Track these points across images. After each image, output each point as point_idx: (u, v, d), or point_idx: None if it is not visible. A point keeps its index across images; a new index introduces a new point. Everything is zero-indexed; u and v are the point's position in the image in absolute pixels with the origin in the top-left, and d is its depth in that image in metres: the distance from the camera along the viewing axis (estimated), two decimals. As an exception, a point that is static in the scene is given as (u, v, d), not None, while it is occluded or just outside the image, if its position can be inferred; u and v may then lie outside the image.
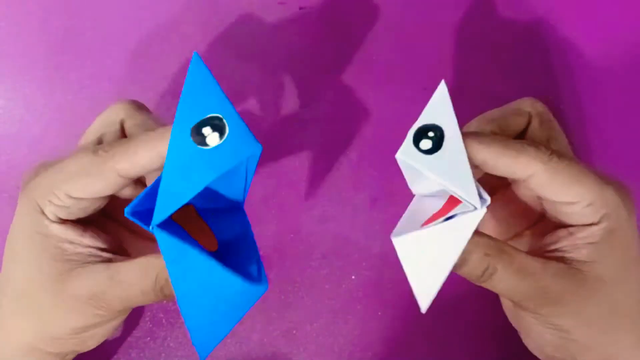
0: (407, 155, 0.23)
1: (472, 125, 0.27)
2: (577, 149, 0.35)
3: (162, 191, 0.22)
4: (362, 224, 0.34)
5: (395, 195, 0.35)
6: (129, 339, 0.33)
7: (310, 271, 0.34)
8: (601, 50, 0.37)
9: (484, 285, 0.25)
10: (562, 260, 0.25)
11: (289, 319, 0.33)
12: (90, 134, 0.28)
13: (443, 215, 0.23)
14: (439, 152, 0.22)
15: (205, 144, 0.22)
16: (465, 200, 0.22)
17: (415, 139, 0.23)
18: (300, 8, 0.37)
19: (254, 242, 0.25)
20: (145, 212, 0.23)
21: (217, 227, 0.26)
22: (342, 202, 0.35)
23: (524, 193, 0.28)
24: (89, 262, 0.25)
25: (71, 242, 0.25)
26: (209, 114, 0.22)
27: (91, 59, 0.36)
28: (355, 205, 0.35)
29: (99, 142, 0.27)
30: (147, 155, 0.24)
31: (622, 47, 0.37)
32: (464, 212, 0.22)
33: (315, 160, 0.35)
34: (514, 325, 0.29)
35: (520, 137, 0.28)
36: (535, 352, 0.28)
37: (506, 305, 0.30)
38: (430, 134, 0.22)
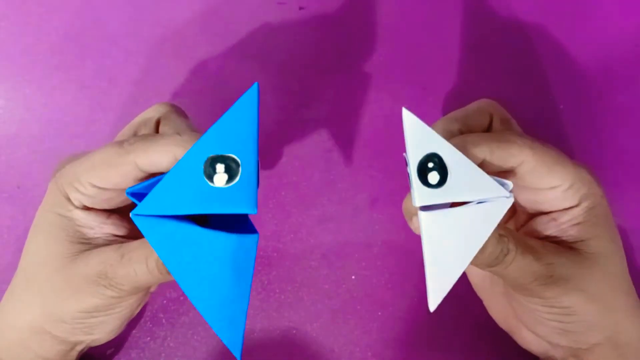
0: (426, 199, 0.22)
1: (438, 126, 0.27)
2: (577, 149, 0.35)
3: (156, 193, 0.22)
4: (362, 224, 0.34)
5: (395, 195, 0.35)
6: (129, 339, 0.33)
7: (310, 271, 0.34)
8: (601, 50, 0.37)
9: (495, 269, 0.25)
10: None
11: (289, 319, 0.33)
12: (127, 129, 0.29)
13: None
14: (449, 177, 0.22)
15: (211, 180, 0.22)
16: (496, 197, 0.22)
17: (422, 179, 0.22)
18: (300, 8, 0.37)
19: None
20: (143, 195, 0.23)
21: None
22: (342, 202, 0.35)
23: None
24: (103, 245, 0.26)
25: (91, 228, 0.27)
26: (232, 153, 0.22)
27: (91, 59, 0.36)
28: (355, 205, 0.35)
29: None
30: (164, 155, 0.24)
31: (622, 47, 0.37)
32: (493, 199, 0.22)
33: (315, 160, 0.35)
34: (505, 327, 0.30)
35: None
36: (534, 348, 0.29)
37: (498, 308, 0.30)
38: (430, 164, 0.22)
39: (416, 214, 0.24)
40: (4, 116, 0.36)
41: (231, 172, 0.22)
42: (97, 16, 0.37)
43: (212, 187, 0.22)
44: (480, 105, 0.29)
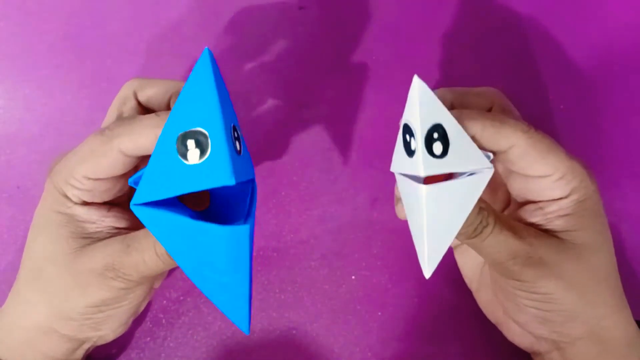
0: (432, 168, 0.22)
1: (439, 91, 0.27)
2: (576, 149, 0.35)
3: (144, 180, 0.22)
4: (362, 224, 0.34)
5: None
6: (129, 339, 0.33)
7: (310, 271, 0.34)
8: (601, 50, 0.37)
9: (473, 242, 0.25)
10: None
11: (289, 319, 0.33)
12: (110, 114, 0.29)
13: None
14: (450, 148, 0.22)
15: (185, 158, 0.21)
16: (481, 168, 0.23)
17: (428, 148, 0.22)
18: (300, 8, 0.37)
19: (249, 197, 0.25)
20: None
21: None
22: (342, 202, 0.35)
23: (498, 176, 0.29)
24: (106, 238, 0.26)
25: (93, 222, 0.26)
26: (198, 127, 0.21)
27: (91, 59, 0.36)
28: (355, 205, 0.35)
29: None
30: (149, 137, 0.24)
31: (622, 47, 0.37)
32: (476, 170, 0.23)
33: (315, 160, 0.35)
34: (493, 319, 0.30)
35: None
36: (520, 341, 0.29)
37: (486, 300, 0.30)
38: (435, 135, 0.22)
39: (400, 199, 0.26)
40: (4, 116, 0.36)
41: (202, 147, 0.21)
42: (97, 16, 0.37)
43: (188, 165, 0.21)
44: (483, 90, 0.29)
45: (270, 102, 0.36)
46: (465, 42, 0.37)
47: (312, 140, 0.35)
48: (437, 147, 0.22)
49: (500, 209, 0.30)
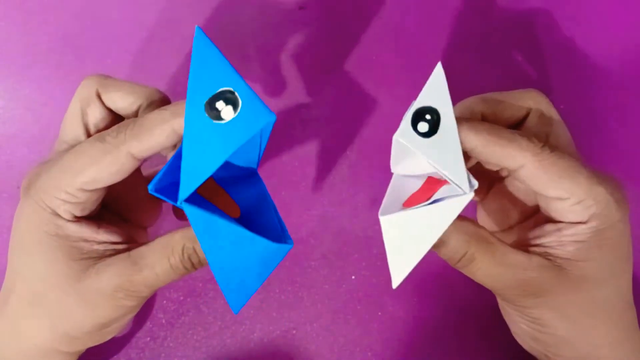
0: (405, 137, 0.23)
1: (466, 102, 0.27)
2: (577, 149, 0.35)
3: (185, 167, 0.22)
4: (362, 224, 0.34)
5: (395, 195, 0.35)
6: (129, 338, 0.33)
7: (310, 271, 0.34)
8: (601, 50, 0.37)
9: (463, 271, 0.25)
10: (545, 255, 0.25)
11: (289, 319, 0.33)
12: (71, 121, 0.27)
13: (425, 195, 0.24)
14: (435, 136, 0.22)
15: (221, 118, 0.22)
16: (455, 183, 0.22)
17: (413, 122, 0.23)
18: (300, 8, 0.37)
19: (272, 204, 0.26)
20: (168, 188, 0.23)
21: (236, 194, 0.27)
22: (342, 202, 0.35)
23: (517, 187, 0.28)
24: (106, 257, 0.25)
25: (86, 240, 0.25)
26: (220, 87, 0.22)
27: (91, 59, 0.36)
28: (355, 205, 0.35)
29: (86, 126, 0.27)
30: (163, 133, 0.24)
31: (622, 47, 0.37)
32: (451, 196, 0.23)
33: (315, 160, 0.35)
34: (504, 317, 0.30)
35: (516, 128, 0.27)
36: (520, 343, 0.29)
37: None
38: (427, 116, 0.22)
39: None
40: (4, 116, 0.36)
41: (232, 102, 0.22)
42: (97, 16, 0.37)
43: (227, 123, 0.22)
44: (521, 95, 0.27)
45: (270, 102, 0.36)
46: (465, 42, 0.37)
47: (312, 140, 0.35)
48: (423, 126, 0.22)
49: (517, 220, 0.29)
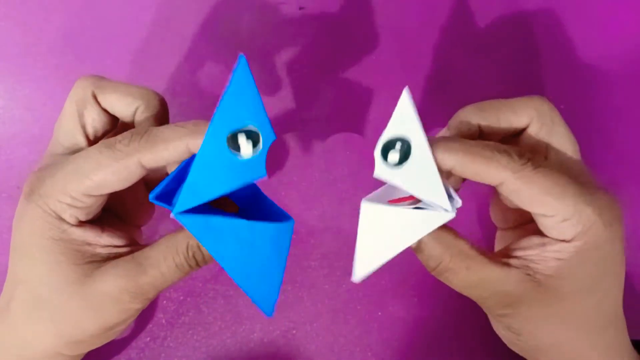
0: (381, 172, 0.23)
1: (462, 114, 0.26)
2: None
3: (188, 186, 0.23)
4: (362, 224, 0.34)
5: (395, 195, 0.35)
6: (129, 339, 0.33)
7: (310, 271, 0.34)
8: (601, 50, 0.37)
9: (439, 278, 0.25)
10: (526, 268, 0.25)
11: (289, 319, 0.33)
12: (68, 122, 0.27)
13: (414, 198, 0.24)
14: (406, 163, 0.22)
15: (239, 154, 0.23)
16: (438, 206, 0.23)
17: (383, 153, 0.23)
18: (300, 8, 0.37)
19: (267, 197, 0.27)
20: (166, 194, 0.24)
21: (232, 193, 0.27)
22: (342, 202, 0.35)
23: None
24: (109, 260, 0.26)
25: (90, 244, 0.25)
26: (248, 125, 0.23)
27: (91, 59, 0.36)
28: (355, 205, 0.35)
29: (84, 128, 0.27)
30: (177, 149, 0.24)
31: (622, 47, 0.37)
32: (435, 207, 0.23)
33: (315, 160, 0.35)
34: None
35: (517, 136, 0.27)
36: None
37: None
38: (397, 145, 0.22)
39: None
40: (4, 116, 0.36)
41: (254, 141, 0.23)
42: (97, 16, 0.37)
43: (240, 160, 0.23)
44: (523, 103, 0.26)
45: (270, 102, 0.36)
46: (465, 42, 0.37)
47: (312, 140, 0.35)
48: (393, 157, 0.22)
49: (519, 222, 0.29)
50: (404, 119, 0.22)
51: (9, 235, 0.34)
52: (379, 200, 0.25)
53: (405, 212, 0.23)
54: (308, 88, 0.36)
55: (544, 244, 0.25)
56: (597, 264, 0.24)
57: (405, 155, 0.22)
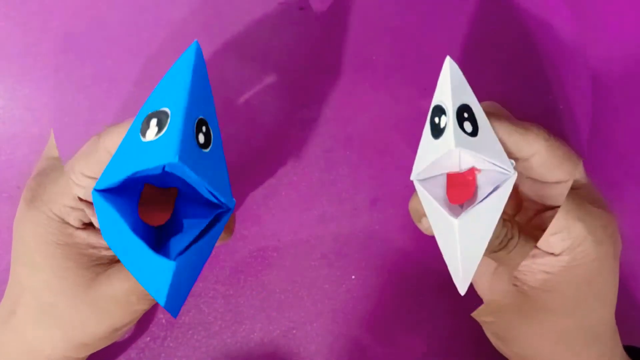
0: (463, 142, 0.21)
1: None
2: (577, 149, 0.35)
3: (110, 164, 0.22)
4: (362, 224, 0.34)
5: (395, 195, 0.35)
6: (129, 339, 0.33)
7: (310, 271, 0.34)
8: (601, 50, 0.37)
9: (499, 254, 0.24)
10: (515, 278, 0.25)
11: (289, 319, 0.33)
12: (99, 165, 0.28)
13: (464, 190, 0.23)
14: (480, 132, 0.22)
15: (144, 135, 0.21)
16: (504, 170, 0.22)
17: (459, 123, 0.22)
18: (300, 8, 0.37)
19: (205, 185, 0.24)
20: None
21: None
22: (342, 202, 0.35)
23: (522, 190, 0.29)
24: (114, 262, 0.26)
25: (94, 247, 0.25)
26: (164, 107, 0.21)
27: (91, 59, 0.36)
28: (355, 205, 0.35)
29: None
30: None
31: (621, 48, 0.37)
32: (502, 181, 0.22)
33: (315, 160, 0.35)
34: None
35: None
36: None
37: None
38: (465, 114, 0.22)
39: (424, 215, 0.25)
40: (4, 116, 0.36)
41: (161, 125, 0.21)
42: (97, 16, 0.37)
43: (144, 142, 0.21)
44: (486, 108, 0.28)
45: (270, 102, 0.36)
46: (465, 41, 0.37)
47: (312, 140, 0.35)
48: (468, 126, 0.22)
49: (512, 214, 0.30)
50: (461, 88, 0.22)
51: (8, 235, 0.34)
52: (430, 187, 0.23)
53: (488, 202, 0.22)
54: (308, 88, 0.36)
55: (533, 256, 0.25)
56: (584, 282, 0.24)
57: (475, 125, 0.22)
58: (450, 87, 0.22)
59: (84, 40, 0.37)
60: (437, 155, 0.22)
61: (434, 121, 0.23)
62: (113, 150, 0.24)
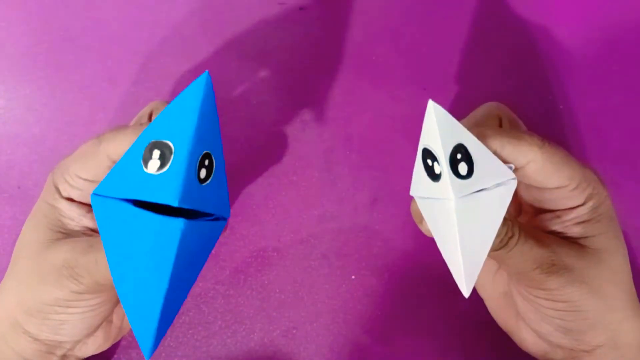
0: (461, 190, 0.22)
1: (486, 106, 0.29)
2: (576, 149, 0.35)
3: (110, 174, 0.23)
4: (362, 224, 0.34)
5: (395, 195, 0.35)
6: (129, 339, 0.33)
7: (310, 271, 0.34)
8: (600, 50, 0.37)
9: (498, 253, 0.25)
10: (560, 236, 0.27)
11: (289, 319, 0.33)
12: (101, 170, 0.29)
13: None
14: (476, 166, 0.22)
15: (146, 166, 0.21)
16: (506, 180, 0.23)
17: (453, 170, 0.22)
18: (300, 8, 0.37)
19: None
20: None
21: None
22: (342, 202, 0.35)
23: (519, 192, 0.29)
24: (76, 236, 0.27)
25: (72, 219, 0.27)
26: (169, 140, 0.21)
27: (91, 59, 0.36)
28: (355, 205, 0.35)
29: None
30: (129, 143, 0.25)
31: (621, 48, 0.37)
32: (505, 181, 0.23)
33: (315, 160, 0.35)
34: (505, 327, 0.30)
35: None
36: (533, 349, 0.29)
37: (499, 309, 0.30)
38: (459, 156, 0.22)
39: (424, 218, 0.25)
40: (4, 116, 0.36)
41: (164, 160, 0.21)
42: (97, 16, 0.37)
43: (146, 173, 0.21)
44: (488, 109, 0.29)
45: (270, 102, 0.36)
46: (465, 41, 0.37)
47: (312, 140, 0.35)
48: (463, 168, 0.22)
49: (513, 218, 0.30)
50: (449, 128, 0.22)
51: (9, 235, 0.34)
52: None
53: (490, 193, 0.23)
54: (308, 88, 0.36)
55: (558, 216, 0.27)
56: (609, 217, 0.26)
57: (469, 163, 0.22)
58: (439, 132, 0.22)
59: (84, 40, 0.37)
60: (436, 196, 0.23)
61: (427, 163, 0.23)
62: (114, 157, 0.26)
